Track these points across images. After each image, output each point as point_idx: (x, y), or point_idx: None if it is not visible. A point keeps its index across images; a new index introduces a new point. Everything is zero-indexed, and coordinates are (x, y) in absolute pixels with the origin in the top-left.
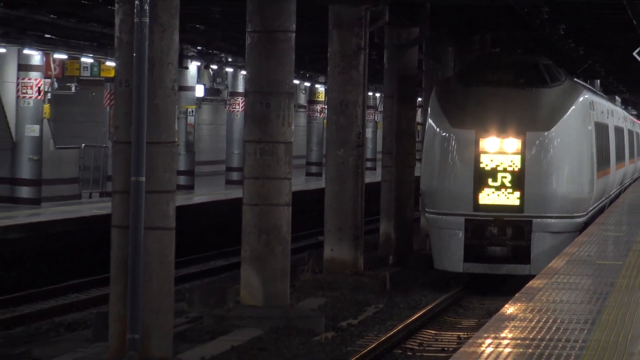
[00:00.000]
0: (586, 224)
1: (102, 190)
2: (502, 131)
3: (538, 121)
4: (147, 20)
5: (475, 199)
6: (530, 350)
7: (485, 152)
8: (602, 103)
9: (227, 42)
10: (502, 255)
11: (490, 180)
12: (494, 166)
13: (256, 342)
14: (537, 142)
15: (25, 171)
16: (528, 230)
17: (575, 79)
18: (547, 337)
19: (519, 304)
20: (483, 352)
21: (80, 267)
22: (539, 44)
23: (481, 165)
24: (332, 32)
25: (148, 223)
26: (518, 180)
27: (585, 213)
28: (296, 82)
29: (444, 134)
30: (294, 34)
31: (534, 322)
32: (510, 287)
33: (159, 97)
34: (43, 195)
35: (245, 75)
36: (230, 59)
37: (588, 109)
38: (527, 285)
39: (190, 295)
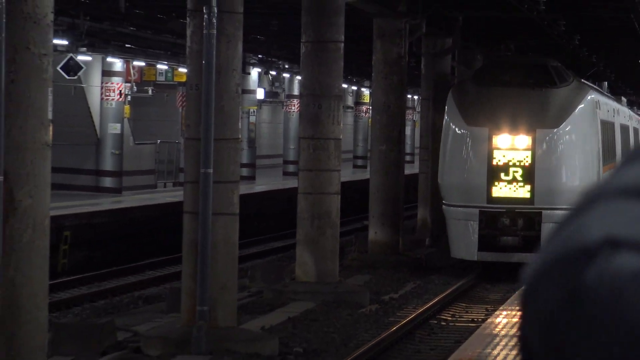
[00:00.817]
0: None
1: (175, 180)
2: (514, 128)
3: (547, 119)
4: (215, 32)
5: (489, 192)
6: None
7: (498, 148)
8: (609, 103)
9: (284, 51)
10: (513, 244)
11: (502, 175)
12: (506, 161)
13: (309, 313)
14: (547, 138)
15: (108, 164)
16: (538, 221)
17: (582, 80)
18: None
19: None
20: (507, 322)
21: (156, 247)
22: (557, 50)
23: (494, 161)
24: (376, 42)
25: (215, 209)
26: (529, 175)
27: None
28: (344, 86)
29: (460, 131)
30: (342, 44)
31: None
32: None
33: (224, 100)
34: (124, 185)
35: (300, 80)
36: (287, 66)
37: (594, 108)
38: None
39: (252, 272)
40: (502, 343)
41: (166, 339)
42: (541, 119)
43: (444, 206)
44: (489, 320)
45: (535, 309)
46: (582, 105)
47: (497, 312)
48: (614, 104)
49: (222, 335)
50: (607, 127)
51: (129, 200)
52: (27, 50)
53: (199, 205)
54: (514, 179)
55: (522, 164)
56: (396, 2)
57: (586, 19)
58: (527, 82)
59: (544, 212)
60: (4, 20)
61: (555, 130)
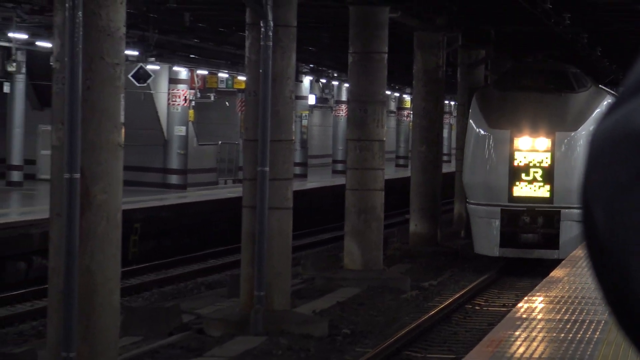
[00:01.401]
0: None
1: (234, 178)
2: (534, 131)
3: (566, 122)
4: (271, 44)
5: (510, 191)
6: (566, 306)
7: (519, 150)
8: None
9: (333, 61)
10: (533, 241)
11: (523, 175)
12: (527, 162)
13: (356, 298)
14: (565, 141)
15: (175, 163)
16: (557, 219)
17: (600, 86)
18: (582, 295)
19: (564, 269)
20: (535, 307)
21: (217, 238)
22: (581, 61)
23: (515, 162)
24: (416, 53)
25: (271, 204)
26: (548, 175)
27: None
28: (388, 92)
29: (483, 133)
30: (386, 55)
31: (575, 284)
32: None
33: (279, 105)
34: (188, 181)
35: (347, 87)
36: (335, 74)
37: None
38: (572, 254)
39: (304, 261)
40: (531, 326)
41: (226, 321)
42: (560, 122)
43: (467, 204)
44: (519, 304)
45: (600, 182)
46: (600, 109)
47: (526, 298)
48: None
49: (277, 318)
50: None
51: (193, 195)
52: (102, 60)
53: (257, 200)
54: (534, 179)
55: (541, 164)
56: (435, 17)
57: (607, 32)
58: (547, 87)
59: (562, 210)
60: (81, 33)
61: (573, 133)
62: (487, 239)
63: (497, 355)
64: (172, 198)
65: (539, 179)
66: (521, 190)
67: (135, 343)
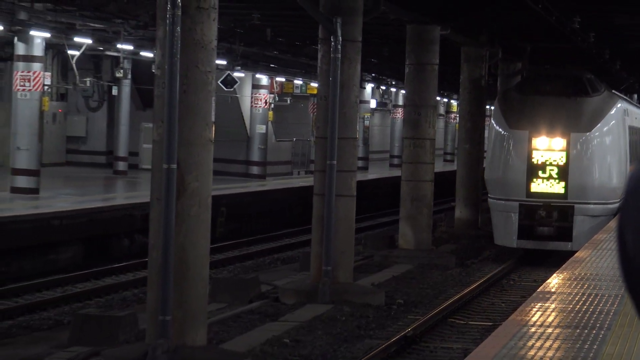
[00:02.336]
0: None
1: (306, 169)
2: (551, 132)
3: (580, 124)
4: (339, 56)
5: (528, 187)
6: (588, 282)
7: (536, 149)
8: (637, 111)
9: (392, 71)
10: (549, 234)
11: (540, 172)
12: (544, 161)
13: (408, 273)
14: (580, 141)
15: (256, 156)
16: (571, 214)
17: (613, 91)
18: (602, 273)
19: (589, 250)
20: (562, 282)
21: (291, 220)
22: (602, 72)
23: (533, 160)
24: (462, 65)
25: (338, 192)
26: (563, 173)
27: (619, 199)
28: (438, 98)
29: (504, 133)
30: (437, 66)
31: (596, 263)
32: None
33: (346, 107)
34: (267, 172)
35: (404, 93)
36: (393, 82)
37: (623, 115)
38: (593, 238)
39: (365, 241)
40: (559, 299)
41: (298, 291)
42: (575, 123)
43: (489, 199)
44: (548, 280)
45: (632, 216)
46: (612, 112)
47: (554, 275)
48: None
49: (342, 289)
50: (635, 132)
51: (271, 184)
52: (196, 68)
53: (325, 189)
54: (550, 176)
55: (557, 163)
56: (479, 34)
57: (627, 50)
58: (564, 91)
59: (576, 206)
60: (179, 46)
61: (587, 133)
62: (506, 231)
63: (528, 324)
64: (253, 186)
65: (555, 176)
66: (538, 186)
67: (221, 309)
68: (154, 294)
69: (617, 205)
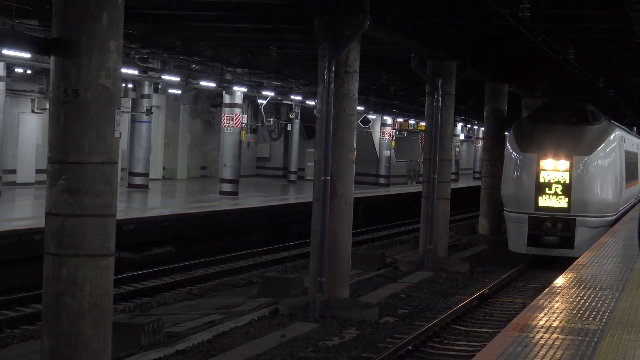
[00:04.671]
0: (617, 219)
1: (416, 180)
2: (556, 155)
3: (582, 148)
4: (440, 105)
5: (536, 202)
6: (589, 283)
7: (544, 169)
8: (633, 139)
9: (475, 114)
10: (554, 242)
11: (547, 189)
12: (550, 179)
13: (485, 251)
14: (581, 163)
15: (383, 171)
16: (573, 225)
17: (612, 121)
18: (600, 276)
19: (592, 252)
20: (577, 277)
21: (406, 213)
22: (607, 106)
23: (541, 179)
24: (523, 111)
25: (438, 196)
26: (566, 190)
27: (615, 213)
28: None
29: (516, 155)
30: (505, 111)
31: (596, 268)
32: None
33: (444, 139)
34: (390, 182)
35: (483, 129)
36: (476, 122)
37: (619, 141)
38: (598, 241)
39: (455, 229)
40: (572, 290)
41: (411, 262)
42: (577, 148)
43: (504, 212)
44: (563, 274)
45: None
46: (610, 139)
47: (567, 270)
48: (638, 140)
49: (441, 260)
50: (630, 156)
51: (393, 189)
52: (344, 112)
53: (430, 193)
54: (556, 193)
55: (561, 181)
56: (534, 89)
57: (621, 83)
58: (568, 120)
59: (577, 218)
60: (332, 97)
61: (588, 156)
62: (518, 239)
63: (536, 321)
64: (381, 191)
65: (560, 192)
66: (545, 201)
67: (358, 273)
68: (315, 263)
69: (613, 217)
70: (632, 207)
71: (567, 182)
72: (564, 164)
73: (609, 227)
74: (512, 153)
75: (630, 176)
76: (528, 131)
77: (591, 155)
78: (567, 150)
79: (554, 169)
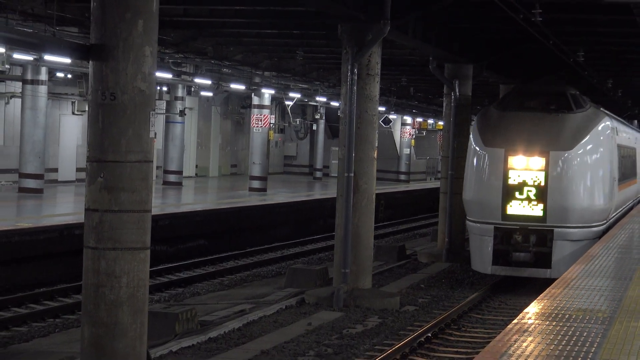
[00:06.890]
0: (608, 229)
1: (435, 177)
2: (529, 150)
3: (561, 142)
4: (456, 105)
5: (503, 209)
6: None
7: (513, 169)
8: (629, 131)
9: None
10: (525, 260)
11: (517, 194)
12: (521, 181)
13: None
14: (560, 160)
15: (403, 168)
16: (550, 238)
17: (600, 108)
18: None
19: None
20: (583, 273)
21: (425, 208)
22: (607, 100)
23: (509, 180)
24: None
25: (454, 191)
26: (542, 194)
27: (604, 221)
28: None
29: (479, 151)
30: None
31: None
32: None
33: (461, 137)
34: (410, 179)
35: None
36: None
37: (609, 133)
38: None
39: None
40: (580, 288)
41: (430, 254)
42: (555, 141)
43: (466, 221)
44: (571, 269)
45: None
46: (597, 129)
47: (574, 267)
48: (636, 133)
49: (457, 252)
50: (626, 151)
51: (413, 185)
52: (366, 113)
53: (447, 189)
54: (528, 198)
55: (535, 183)
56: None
57: (629, 84)
58: (545, 107)
59: (555, 229)
60: (355, 98)
61: (568, 152)
62: (481, 256)
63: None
64: (401, 187)
65: (533, 197)
66: (514, 208)
67: (380, 265)
68: (339, 255)
69: (602, 227)
70: (629, 210)
71: (543, 184)
72: (538, 161)
73: (597, 239)
74: (474, 148)
75: (626, 175)
76: (494, 121)
77: (572, 150)
78: (542, 144)
79: (525, 167)
